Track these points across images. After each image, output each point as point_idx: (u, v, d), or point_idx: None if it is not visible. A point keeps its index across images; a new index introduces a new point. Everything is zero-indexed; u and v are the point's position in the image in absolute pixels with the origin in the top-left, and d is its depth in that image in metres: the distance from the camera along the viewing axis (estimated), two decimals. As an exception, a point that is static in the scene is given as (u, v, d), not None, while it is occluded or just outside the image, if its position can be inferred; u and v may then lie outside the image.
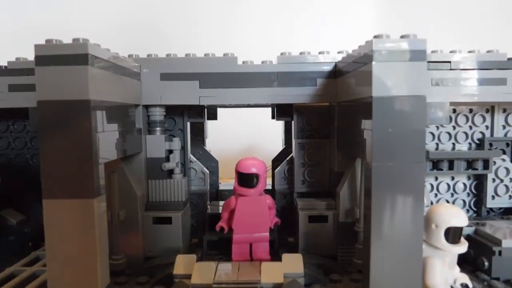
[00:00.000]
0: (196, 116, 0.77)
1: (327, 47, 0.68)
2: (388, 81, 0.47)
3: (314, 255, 0.65)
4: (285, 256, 0.59)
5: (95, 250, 0.48)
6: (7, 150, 0.77)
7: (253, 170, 0.62)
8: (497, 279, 0.59)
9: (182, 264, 0.58)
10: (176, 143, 0.71)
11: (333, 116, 0.70)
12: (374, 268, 0.48)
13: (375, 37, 0.48)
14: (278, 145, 0.93)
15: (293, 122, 0.74)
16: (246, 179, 0.62)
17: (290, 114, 0.74)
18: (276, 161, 0.87)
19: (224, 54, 0.68)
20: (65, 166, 0.47)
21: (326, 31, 1.24)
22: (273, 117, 0.83)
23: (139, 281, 0.59)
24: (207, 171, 0.81)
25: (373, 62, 0.47)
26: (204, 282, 0.54)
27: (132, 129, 0.64)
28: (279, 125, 0.93)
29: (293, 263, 0.58)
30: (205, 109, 0.78)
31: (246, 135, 1.26)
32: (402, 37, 0.48)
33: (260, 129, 1.15)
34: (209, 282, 0.54)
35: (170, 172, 0.71)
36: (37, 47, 0.47)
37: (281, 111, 0.76)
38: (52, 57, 0.47)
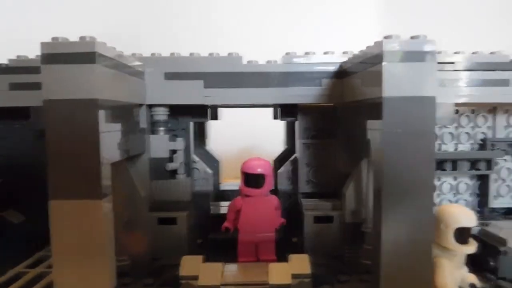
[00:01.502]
0: (200, 116, 0.76)
1: (333, 47, 0.68)
2: (398, 82, 0.47)
3: (320, 256, 0.65)
4: (292, 257, 0.59)
5: (103, 251, 0.47)
6: (8, 150, 0.76)
7: (259, 171, 0.62)
8: (504, 278, 0.59)
9: (188, 265, 0.57)
10: (179, 143, 0.70)
11: (338, 116, 0.70)
12: (385, 269, 0.48)
13: (385, 37, 0.48)
14: (279, 146, 0.93)
15: (297, 122, 0.74)
16: (252, 180, 0.62)
17: (295, 114, 0.74)
18: (279, 162, 0.86)
19: (228, 54, 0.67)
20: (72, 167, 0.46)
21: (332, 31, 1.25)
22: (274, 117, 0.83)
23: (145, 282, 0.59)
24: (210, 171, 0.81)
25: (384, 63, 0.47)
26: (211, 283, 0.54)
27: (136, 129, 0.63)
28: (280, 125, 0.92)
29: (300, 264, 0.57)
30: (209, 109, 0.78)
31: (247, 135, 1.25)
32: (412, 37, 0.48)
33: (260, 129, 1.14)
34: (217, 283, 0.54)
35: (174, 172, 0.70)
36: (43, 45, 0.46)
37: (285, 111, 0.75)
38: (59, 55, 0.46)
